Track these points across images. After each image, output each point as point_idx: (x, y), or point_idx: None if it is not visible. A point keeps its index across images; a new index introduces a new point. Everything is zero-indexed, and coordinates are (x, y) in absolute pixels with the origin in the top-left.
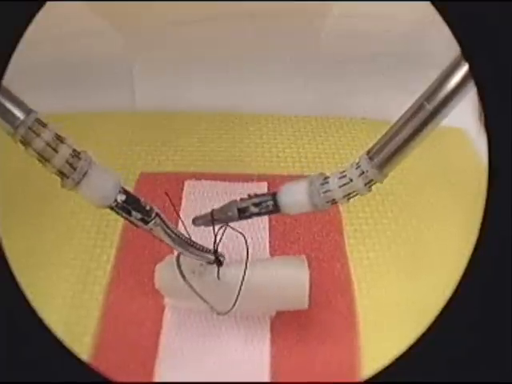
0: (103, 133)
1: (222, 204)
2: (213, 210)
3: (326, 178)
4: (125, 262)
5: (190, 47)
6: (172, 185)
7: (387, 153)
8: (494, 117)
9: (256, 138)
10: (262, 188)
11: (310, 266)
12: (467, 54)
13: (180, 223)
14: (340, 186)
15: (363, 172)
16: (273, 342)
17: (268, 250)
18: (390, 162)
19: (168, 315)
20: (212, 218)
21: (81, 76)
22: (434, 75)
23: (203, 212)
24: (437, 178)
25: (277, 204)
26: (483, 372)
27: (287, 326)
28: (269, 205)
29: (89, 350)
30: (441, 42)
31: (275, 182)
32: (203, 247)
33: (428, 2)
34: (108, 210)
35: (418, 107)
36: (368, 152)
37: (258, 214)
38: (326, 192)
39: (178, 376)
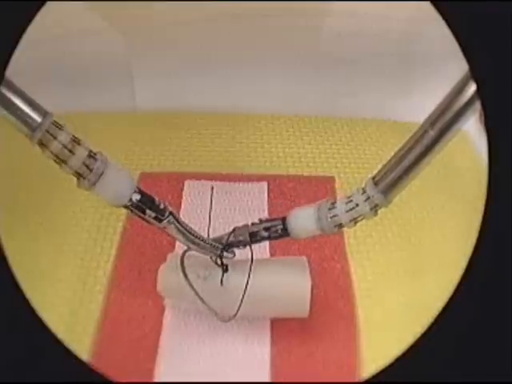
0: (103, 133)
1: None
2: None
3: (334, 203)
4: (125, 262)
5: (190, 47)
6: (172, 185)
7: (392, 178)
8: (493, 117)
9: (256, 138)
10: (262, 188)
11: (310, 266)
12: (467, 53)
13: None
14: (347, 211)
15: (369, 197)
16: (273, 342)
17: (268, 250)
18: (395, 188)
19: (168, 315)
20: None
21: (81, 76)
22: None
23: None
24: (437, 178)
25: (286, 228)
26: (483, 372)
27: (287, 326)
28: (278, 229)
29: (89, 349)
30: (440, 42)
31: (275, 182)
32: (215, 244)
33: (428, 2)
34: (109, 211)
35: (421, 133)
36: (373, 177)
37: (268, 238)
38: (333, 217)
39: (177, 376)
